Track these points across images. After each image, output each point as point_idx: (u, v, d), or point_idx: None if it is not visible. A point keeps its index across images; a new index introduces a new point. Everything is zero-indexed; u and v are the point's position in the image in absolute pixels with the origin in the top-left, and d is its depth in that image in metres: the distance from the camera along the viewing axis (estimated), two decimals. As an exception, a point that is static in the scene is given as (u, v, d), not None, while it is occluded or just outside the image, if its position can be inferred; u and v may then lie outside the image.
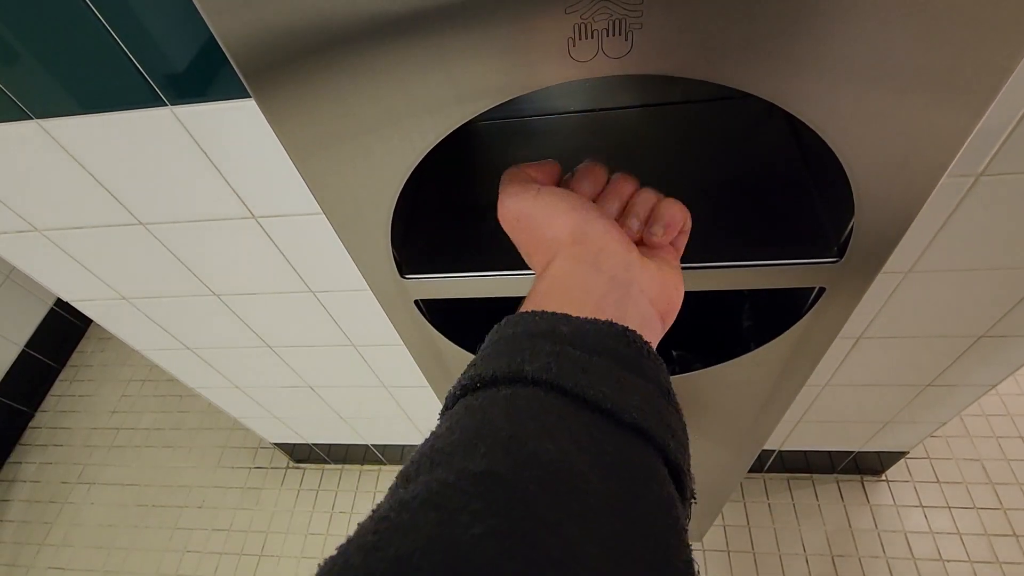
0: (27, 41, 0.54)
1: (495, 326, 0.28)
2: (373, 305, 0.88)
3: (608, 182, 0.35)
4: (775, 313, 0.51)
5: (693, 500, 0.25)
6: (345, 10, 0.27)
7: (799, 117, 0.30)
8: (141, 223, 0.75)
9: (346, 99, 0.31)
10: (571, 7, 0.26)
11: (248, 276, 0.84)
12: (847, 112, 0.29)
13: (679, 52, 0.27)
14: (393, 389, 1.15)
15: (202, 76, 0.55)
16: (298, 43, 0.28)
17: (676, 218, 0.33)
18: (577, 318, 0.26)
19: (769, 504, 1.35)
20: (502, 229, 0.35)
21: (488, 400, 0.23)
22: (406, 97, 0.31)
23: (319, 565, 0.17)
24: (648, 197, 0.34)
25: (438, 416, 0.25)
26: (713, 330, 0.58)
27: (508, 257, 0.45)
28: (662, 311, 0.31)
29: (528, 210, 0.32)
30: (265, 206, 0.71)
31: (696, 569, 0.21)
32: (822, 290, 0.43)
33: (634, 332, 0.27)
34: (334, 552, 0.17)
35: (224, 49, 0.29)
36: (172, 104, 0.59)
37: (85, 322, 2.10)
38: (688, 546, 0.21)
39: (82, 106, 0.60)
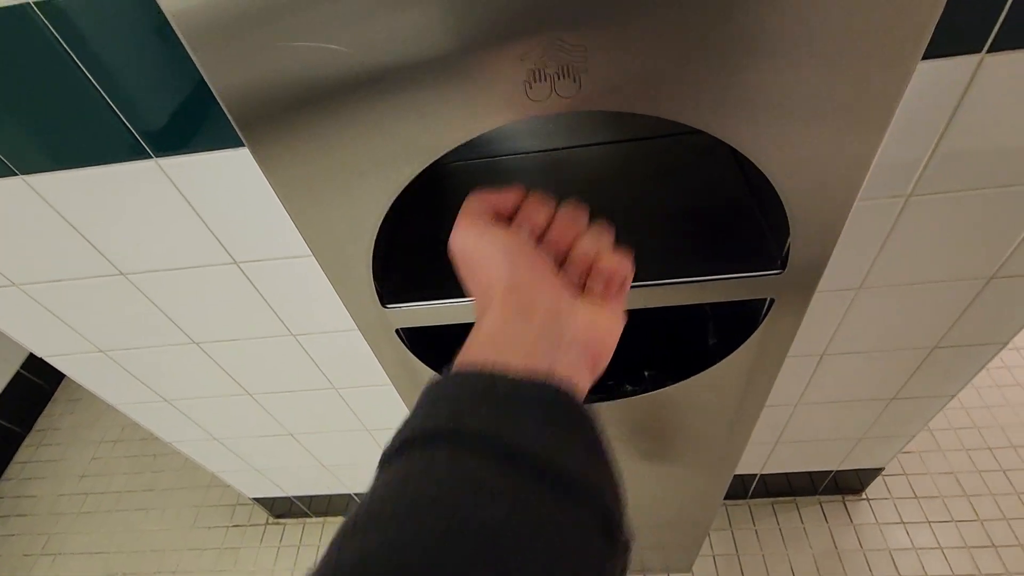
0: (14, 98, 0.57)
1: (432, 383, 0.28)
2: (353, 347, 0.90)
3: (556, 216, 0.34)
4: (735, 327, 0.54)
5: (629, 548, 0.26)
6: (329, 65, 0.31)
7: (730, 144, 0.34)
8: (122, 273, 0.77)
9: (330, 143, 0.35)
10: (525, 55, 0.30)
11: (229, 322, 0.85)
12: (771, 139, 0.34)
13: (621, 91, 0.31)
14: (376, 432, 1.14)
15: (187, 129, 0.59)
16: (286, 94, 0.32)
17: (616, 273, 0.33)
18: (513, 377, 0.27)
19: (756, 530, 1.36)
20: None
21: (425, 462, 0.24)
22: (384, 138, 0.34)
23: None
24: (590, 246, 0.33)
25: (376, 470, 0.26)
26: (681, 349, 0.61)
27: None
28: (594, 355, 0.31)
29: (470, 249, 0.32)
30: (247, 251, 0.73)
31: None
32: (772, 301, 0.47)
33: (566, 392, 0.27)
34: None
35: (219, 100, 0.32)
36: (157, 156, 0.61)
37: (53, 383, 2.04)
38: None
39: (69, 161, 0.62)
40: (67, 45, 0.51)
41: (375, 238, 0.41)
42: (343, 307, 0.81)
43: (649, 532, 1.13)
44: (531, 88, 0.32)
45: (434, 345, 0.55)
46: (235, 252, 0.73)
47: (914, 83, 0.46)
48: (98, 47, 0.52)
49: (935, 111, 0.54)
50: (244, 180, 0.64)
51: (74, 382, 2.04)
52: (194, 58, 0.30)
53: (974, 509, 1.31)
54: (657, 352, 0.65)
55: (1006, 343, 0.86)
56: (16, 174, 0.63)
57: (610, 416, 0.66)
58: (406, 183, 0.37)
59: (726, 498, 1.23)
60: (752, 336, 0.51)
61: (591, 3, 0.28)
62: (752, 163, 0.39)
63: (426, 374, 0.56)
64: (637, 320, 0.65)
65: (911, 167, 0.60)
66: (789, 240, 0.41)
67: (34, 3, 0.49)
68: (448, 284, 0.49)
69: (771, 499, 1.40)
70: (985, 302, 0.79)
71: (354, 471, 1.32)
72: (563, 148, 0.58)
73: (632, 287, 0.46)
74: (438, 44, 0.29)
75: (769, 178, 0.37)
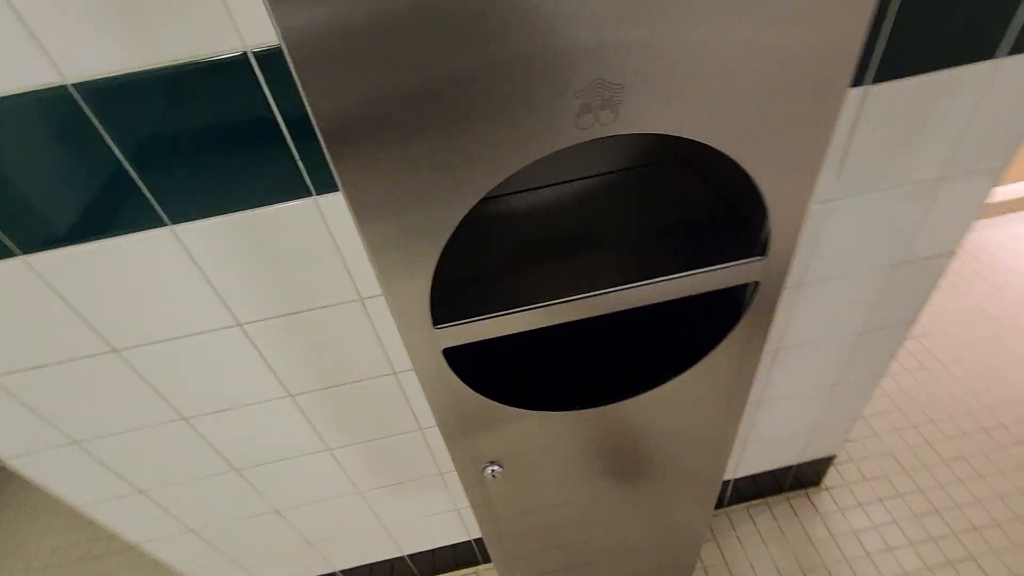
0: (24, 171, 0.58)
1: None
2: (352, 400, 0.91)
3: None
4: (725, 318, 0.64)
5: None
6: (419, 101, 0.38)
7: (725, 152, 0.44)
8: (115, 350, 0.75)
9: (409, 173, 0.41)
10: (577, 94, 0.39)
11: (223, 392, 0.84)
12: (755, 147, 0.44)
13: (648, 117, 0.41)
14: (367, 492, 1.12)
15: (205, 195, 0.62)
16: (378, 125, 0.39)
17: None
18: None
19: (737, 536, 1.43)
20: (496, 286, 0.43)
21: None
22: (459, 165, 0.41)
23: None
24: None
25: None
26: (678, 345, 0.70)
27: (512, 298, 0.55)
28: None
29: None
30: (251, 313, 0.75)
31: None
32: (757, 284, 0.57)
33: None
34: None
35: (318, 133, 0.38)
36: (174, 223, 0.64)
37: (-42, 515, 1.78)
38: None
39: (78, 235, 0.63)
40: (98, 122, 0.55)
41: (435, 267, 0.47)
42: (347, 358, 0.83)
43: (647, 556, 1.17)
44: (579, 119, 0.40)
45: (473, 371, 0.60)
46: (240, 314, 0.75)
47: (827, 108, 0.60)
48: (126, 122, 0.56)
49: (842, 130, 0.70)
50: (253, 240, 0.67)
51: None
52: (299, 84, 0.36)
53: (914, 481, 1.47)
54: (657, 349, 0.74)
55: (913, 321, 1.03)
56: (16, 254, 0.63)
57: (608, 419, 0.72)
58: (468, 209, 0.44)
59: (711, 515, 1.30)
60: (740, 322, 0.61)
61: (629, 55, 0.38)
62: (726, 184, 0.49)
63: (466, 395, 0.60)
64: (639, 320, 0.73)
65: (829, 178, 0.75)
66: (768, 226, 0.51)
67: (72, 84, 0.52)
68: (486, 305, 0.55)
69: (745, 504, 1.49)
70: (894, 286, 0.95)
71: (341, 544, 1.27)
72: (558, 183, 0.68)
73: (642, 285, 0.55)
74: (514, 84, 0.38)
75: (751, 175, 0.47)
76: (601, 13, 0.36)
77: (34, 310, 0.68)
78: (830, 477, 1.50)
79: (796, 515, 1.45)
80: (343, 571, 1.37)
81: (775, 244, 0.53)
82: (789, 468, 1.41)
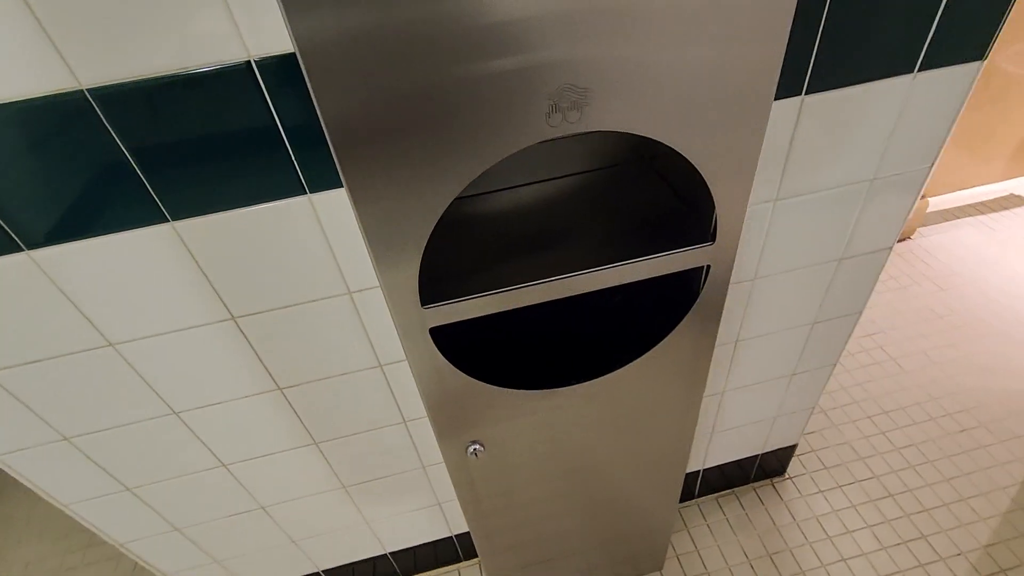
0: (34, 171, 0.62)
1: None
2: (339, 394, 0.95)
3: None
4: (680, 302, 0.71)
5: None
6: (415, 112, 0.44)
7: (674, 147, 0.52)
8: (110, 343, 0.78)
9: (404, 170, 0.47)
10: (548, 96, 0.46)
11: (214, 386, 0.88)
12: (702, 143, 0.52)
13: (608, 117, 0.48)
14: (351, 488, 1.16)
15: (210, 191, 0.67)
16: (377, 112, 0.45)
17: None
18: None
19: (708, 525, 1.50)
20: (478, 275, 0.50)
21: None
22: (446, 160, 0.47)
23: None
24: None
25: None
26: (645, 331, 0.77)
27: (491, 285, 0.61)
28: None
29: None
30: (245, 306, 0.79)
31: None
32: (708, 268, 0.64)
33: None
34: None
35: (328, 138, 0.44)
36: (175, 220, 0.68)
37: (-77, 533, 1.73)
38: None
39: (83, 231, 0.67)
40: (109, 124, 0.59)
41: (423, 249, 0.53)
42: (335, 350, 0.88)
43: (621, 545, 1.23)
44: (549, 117, 0.47)
45: (461, 356, 0.66)
46: (234, 308, 0.79)
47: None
48: (135, 124, 0.60)
49: (783, 135, 0.78)
50: (250, 236, 0.72)
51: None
52: (311, 88, 0.42)
53: (869, 468, 1.57)
54: (621, 338, 0.81)
55: (860, 311, 1.13)
56: (23, 250, 0.66)
57: (579, 398, 0.78)
58: (453, 197, 0.50)
59: (678, 502, 1.36)
60: (695, 303, 0.68)
61: (592, 65, 0.45)
62: (681, 181, 0.56)
63: (449, 372, 0.66)
64: (610, 311, 0.80)
65: (774, 179, 0.83)
66: (715, 215, 0.59)
67: (86, 89, 0.57)
68: (468, 287, 0.61)
69: (715, 495, 1.56)
70: (840, 279, 1.04)
71: (324, 542, 1.29)
72: (532, 183, 0.74)
73: (607, 268, 0.62)
74: (496, 87, 0.44)
75: (701, 171, 0.55)
76: (569, 31, 0.43)
77: (36, 305, 0.71)
78: (793, 467, 1.59)
79: (762, 503, 1.53)
80: (326, 571, 1.39)
81: (722, 231, 0.60)
82: (755, 458, 1.49)
